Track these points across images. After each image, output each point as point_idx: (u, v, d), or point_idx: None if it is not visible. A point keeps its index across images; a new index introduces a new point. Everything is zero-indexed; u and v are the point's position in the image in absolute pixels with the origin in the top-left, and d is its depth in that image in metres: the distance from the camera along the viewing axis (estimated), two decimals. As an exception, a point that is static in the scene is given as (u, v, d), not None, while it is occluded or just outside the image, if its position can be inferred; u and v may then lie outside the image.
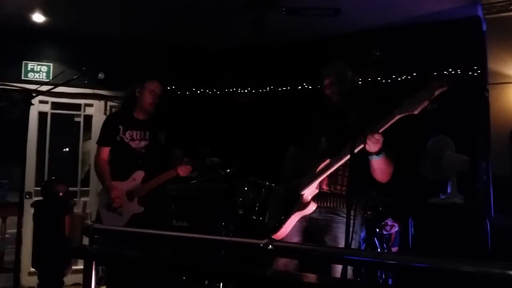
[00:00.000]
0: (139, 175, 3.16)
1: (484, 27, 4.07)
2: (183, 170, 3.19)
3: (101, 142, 3.26)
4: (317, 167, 2.47)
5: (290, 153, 2.85)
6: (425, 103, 2.11)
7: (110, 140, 3.21)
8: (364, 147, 2.29)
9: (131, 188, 3.15)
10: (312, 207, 2.48)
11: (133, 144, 3.18)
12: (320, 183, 2.50)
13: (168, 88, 5.18)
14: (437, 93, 2.12)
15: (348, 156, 2.24)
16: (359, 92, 2.61)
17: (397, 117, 2.20)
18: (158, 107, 3.27)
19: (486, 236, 3.49)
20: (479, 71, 4.11)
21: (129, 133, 3.20)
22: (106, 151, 3.22)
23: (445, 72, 2.24)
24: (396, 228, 4.00)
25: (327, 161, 2.44)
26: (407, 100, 2.17)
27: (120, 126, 3.20)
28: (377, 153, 2.35)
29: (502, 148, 3.86)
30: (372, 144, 2.29)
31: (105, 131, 3.27)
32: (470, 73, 4.15)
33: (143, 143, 3.20)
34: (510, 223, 3.49)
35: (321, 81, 2.75)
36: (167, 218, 3.45)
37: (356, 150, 2.25)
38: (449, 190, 3.84)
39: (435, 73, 4.27)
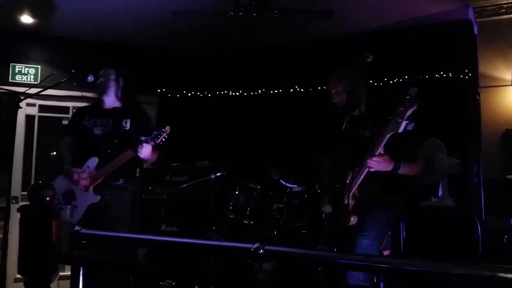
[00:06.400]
0: (92, 162, 3.03)
1: (476, 31, 4.10)
2: (144, 151, 2.93)
3: (65, 131, 3.27)
4: (347, 178, 2.49)
5: (325, 165, 2.93)
6: (404, 123, 2.28)
7: (74, 128, 3.19)
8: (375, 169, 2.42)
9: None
10: (354, 220, 2.51)
11: (95, 130, 3.12)
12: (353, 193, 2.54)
13: (159, 90, 5.15)
14: (409, 113, 2.28)
15: (365, 173, 2.44)
16: (365, 99, 2.72)
17: (387, 136, 2.35)
18: (122, 95, 3.24)
19: (477, 239, 3.50)
20: (470, 74, 4.14)
21: (93, 120, 3.16)
22: (69, 139, 3.19)
23: (410, 92, 2.36)
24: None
25: (351, 173, 2.50)
26: (391, 120, 2.33)
27: (86, 115, 3.19)
28: (395, 170, 2.44)
29: (493, 151, 3.88)
30: (377, 165, 2.39)
31: (71, 120, 3.32)
32: (461, 76, 4.17)
33: (106, 130, 3.12)
34: (501, 226, 3.50)
35: (329, 90, 2.81)
36: (125, 212, 3.11)
37: (362, 176, 2.42)
38: (440, 193, 3.84)
39: (426, 76, 4.30)
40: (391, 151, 2.41)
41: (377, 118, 2.53)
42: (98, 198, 2.98)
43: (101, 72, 3.24)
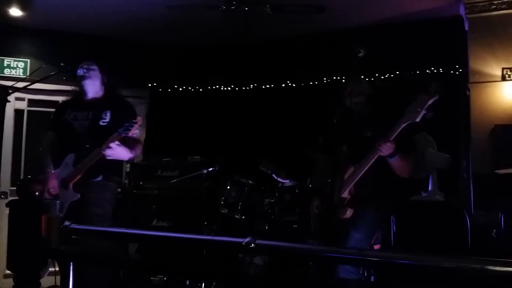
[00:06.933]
0: (70, 158, 2.93)
1: (466, 27, 4.12)
2: (111, 152, 2.81)
3: (47, 127, 3.18)
4: (344, 174, 2.54)
5: (319, 161, 2.98)
6: (423, 112, 2.36)
7: (56, 123, 3.10)
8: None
9: (64, 174, 2.91)
10: (349, 213, 2.61)
11: (76, 124, 3.00)
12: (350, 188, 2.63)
13: (149, 85, 5.12)
14: (430, 102, 2.37)
15: (370, 163, 2.52)
16: (372, 102, 2.82)
17: (403, 126, 2.44)
18: (106, 86, 3.15)
19: (466, 233, 3.53)
20: (460, 70, 4.16)
21: (73, 114, 3.05)
22: (51, 135, 3.10)
23: (432, 82, 2.49)
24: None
25: (351, 168, 2.59)
26: (408, 109, 2.41)
27: (68, 109, 3.10)
28: (391, 156, 2.51)
29: (482, 146, 3.92)
30: (384, 150, 2.49)
31: (53, 115, 3.21)
32: (452, 71, 4.19)
33: (85, 123, 3.00)
34: (490, 220, 3.54)
35: (342, 93, 2.87)
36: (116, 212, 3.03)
37: (373, 160, 2.52)
38: (430, 188, 3.86)
39: (419, 72, 4.33)
40: (403, 141, 2.51)
41: (378, 119, 2.63)
42: (77, 196, 2.87)
43: (81, 64, 3.14)
